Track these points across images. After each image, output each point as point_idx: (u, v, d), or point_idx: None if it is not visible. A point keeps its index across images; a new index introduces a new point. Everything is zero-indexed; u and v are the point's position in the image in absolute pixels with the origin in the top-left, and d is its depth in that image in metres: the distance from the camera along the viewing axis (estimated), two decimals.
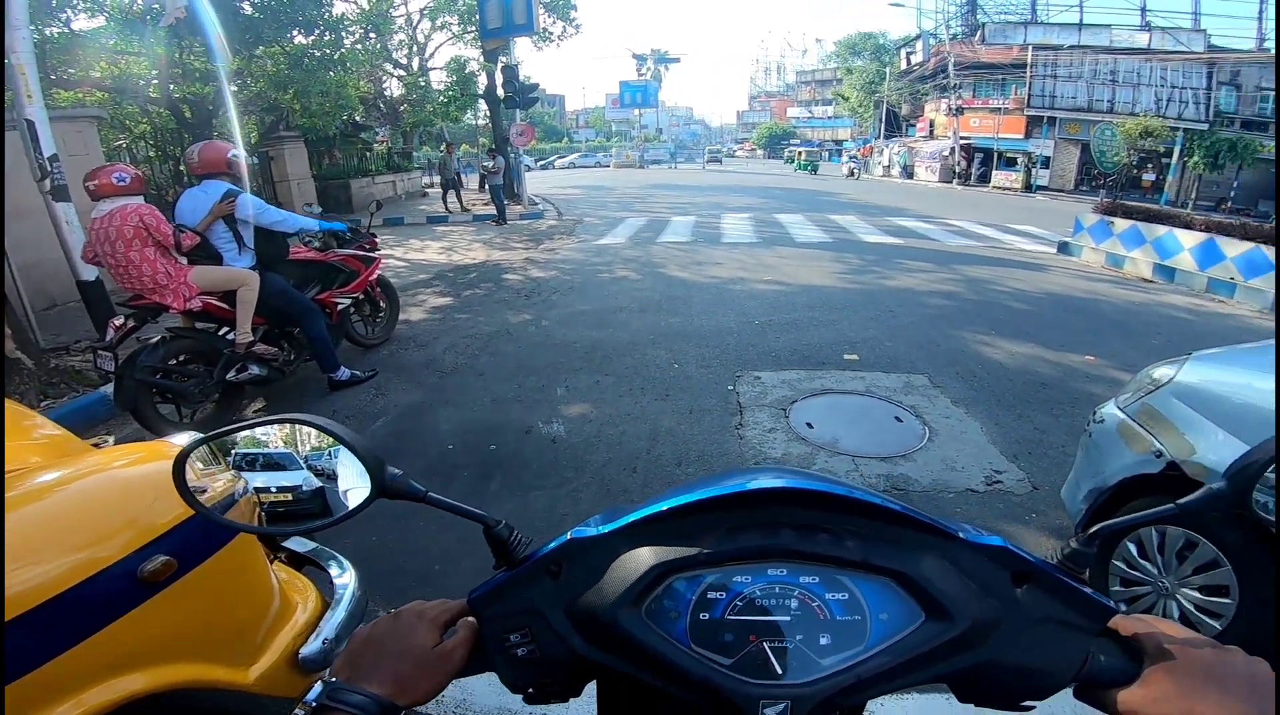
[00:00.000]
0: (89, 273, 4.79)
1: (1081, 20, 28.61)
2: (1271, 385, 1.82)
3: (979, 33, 30.62)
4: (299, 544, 1.62)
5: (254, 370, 3.80)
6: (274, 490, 2.43)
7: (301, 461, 0.64)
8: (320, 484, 0.68)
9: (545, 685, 0.57)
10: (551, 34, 19.42)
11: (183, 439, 1.29)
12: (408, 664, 0.55)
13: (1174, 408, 2.00)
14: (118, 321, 3.55)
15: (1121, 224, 8.45)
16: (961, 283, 7.37)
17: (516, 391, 4.20)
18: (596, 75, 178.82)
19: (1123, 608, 0.55)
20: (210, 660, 1.17)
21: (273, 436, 0.67)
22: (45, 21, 9.10)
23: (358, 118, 18.34)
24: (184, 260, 3.66)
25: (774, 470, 0.61)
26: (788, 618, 0.53)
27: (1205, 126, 25.12)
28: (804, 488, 0.55)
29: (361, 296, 4.82)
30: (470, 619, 0.58)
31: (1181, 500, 0.54)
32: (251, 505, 1.33)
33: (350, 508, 0.60)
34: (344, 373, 4.25)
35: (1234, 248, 6.86)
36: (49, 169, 4.55)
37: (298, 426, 0.62)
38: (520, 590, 0.57)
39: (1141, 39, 27.58)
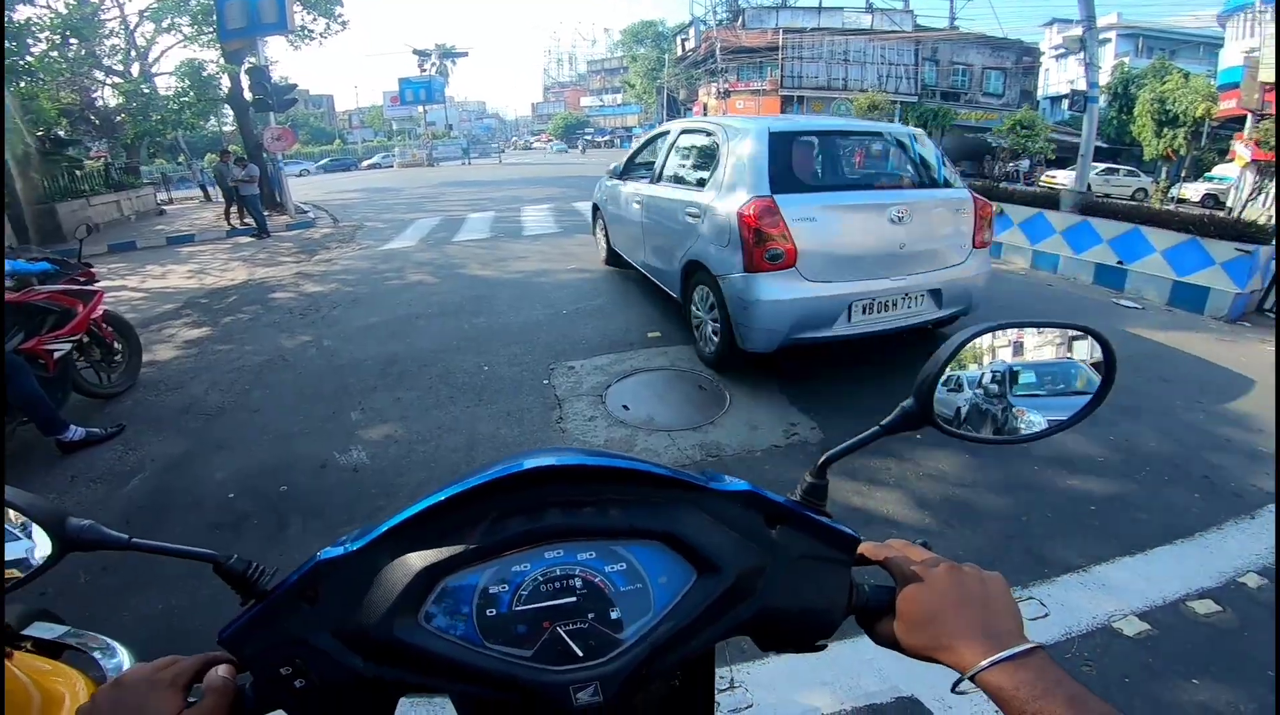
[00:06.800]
0: None
1: (820, 3, 32.34)
2: None
3: (740, 18, 33.29)
4: (46, 630, 1.33)
5: None
6: None
7: (17, 531, 0.57)
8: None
9: (343, 713, 0.53)
10: (313, 31, 17.42)
11: None
12: None
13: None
14: None
15: None
16: None
17: (302, 424, 3.69)
18: (372, 73, 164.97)
19: (862, 537, 0.59)
20: None
21: None
22: None
23: (61, 132, 15.15)
24: None
25: (537, 451, 0.58)
26: (574, 598, 0.52)
27: (915, 98, 29.97)
28: (556, 464, 0.54)
29: (85, 338, 4.04)
30: (222, 669, 0.52)
31: (882, 422, 0.61)
32: None
33: (33, 569, 0.55)
34: (75, 432, 3.51)
35: None
36: None
37: None
38: (277, 621, 0.53)
39: (866, 20, 32.00)
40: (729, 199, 3.73)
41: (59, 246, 4.74)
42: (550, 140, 66.15)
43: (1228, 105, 19.81)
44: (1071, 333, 0.68)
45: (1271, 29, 16.56)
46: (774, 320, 3.61)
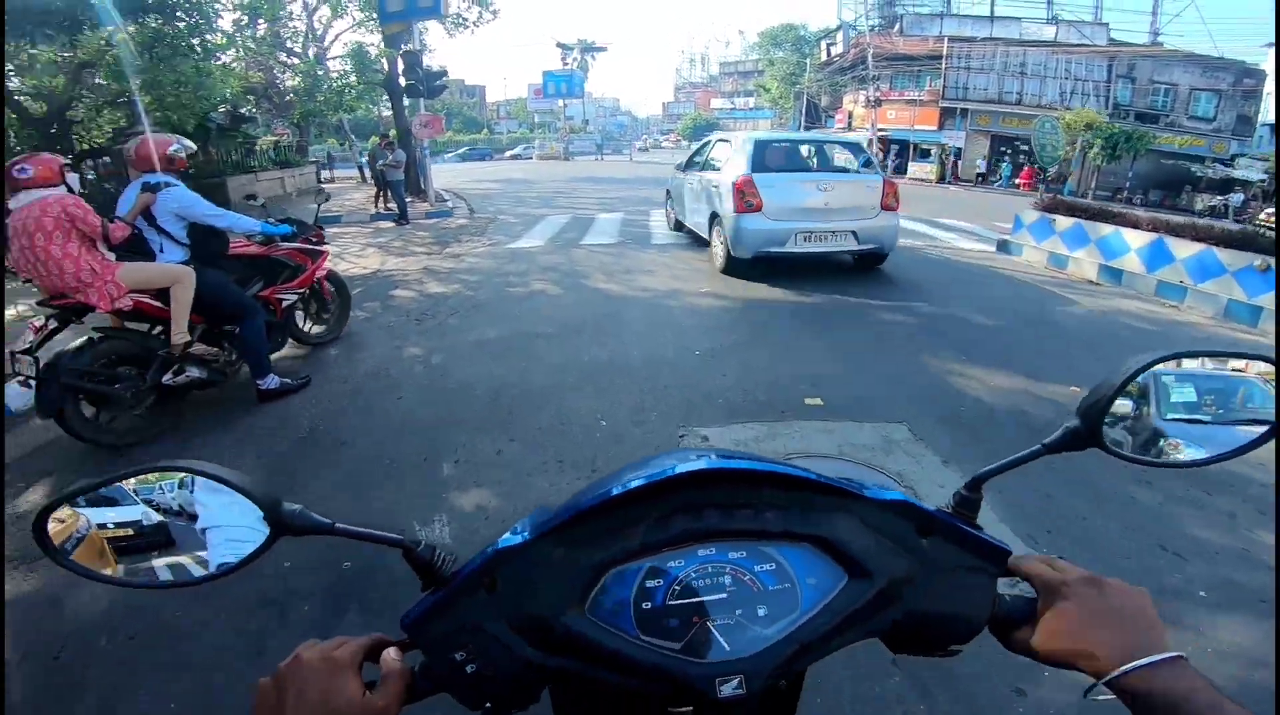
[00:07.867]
0: None
1: (993, 12, 29.41)
2: None
3: (897, 24, 30.96)
4: None
5: (193, 372, 3.56)
6: (111, 526, 1.87)
7: (132, 495, 0.57)
8: (160, 518, 0.61)
9: (502, 698, 0.54)
10: (466, 19, 18.16)
11: None
12: None
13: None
14: (37, 323, 3.29)
15: (1064, 222, 8.12)
16: (912, 291, 6.75)
17: (389, 469, 3.15)
18: (518, 65, 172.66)
19: (1014, 550, 0.58)
20: None
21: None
22: None
23: (247, 110, 16.64)
24: (112, 257, 3.41)
25: (695, 451, 0.59)
26: (724, 595, 0.53)
27: (1105, 118, 26.28)
28: (720, 467, 0.55)
29: (308, 292, 4.61)
30: (393, 651, 0.53)
31: (1045, 440, 0.60)
32: (99, 540, 0.96)
33: (246, 555, 0.56)
34: (273, 381, 3.91)
35: (1184, 249, 6.56)
36: None
37: (182, 474, 0.58)
38: (456, 608, 0.55)
39: (1049, 32, 28.60)
40: (730, 176, 6.80)
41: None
42: (679, 140, 65.78)
43: None
44: (1257, 364, 0.59)
45: None
46: (750, 239, 6.60)
